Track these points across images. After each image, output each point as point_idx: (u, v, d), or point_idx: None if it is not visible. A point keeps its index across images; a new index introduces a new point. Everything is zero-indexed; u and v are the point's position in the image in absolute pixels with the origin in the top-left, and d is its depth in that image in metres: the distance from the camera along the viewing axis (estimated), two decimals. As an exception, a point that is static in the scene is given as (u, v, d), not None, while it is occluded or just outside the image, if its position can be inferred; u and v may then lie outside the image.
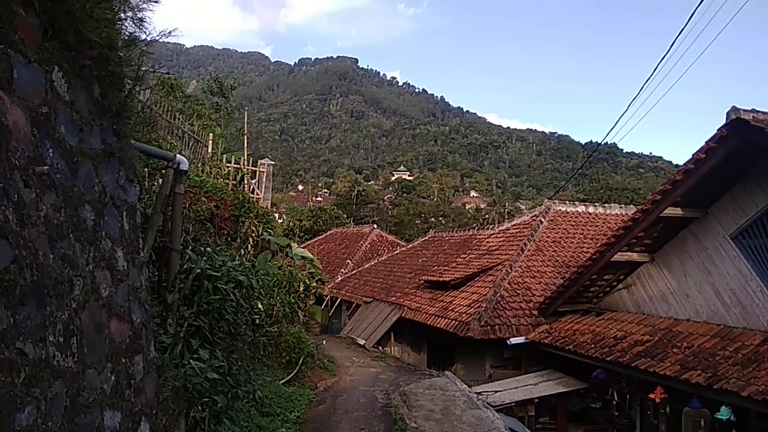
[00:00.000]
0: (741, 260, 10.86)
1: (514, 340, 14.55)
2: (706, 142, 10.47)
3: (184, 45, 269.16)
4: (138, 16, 4.24)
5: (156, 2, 4.27)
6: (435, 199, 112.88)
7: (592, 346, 12.53)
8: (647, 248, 12.97)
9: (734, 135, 9.98)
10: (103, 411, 3.20)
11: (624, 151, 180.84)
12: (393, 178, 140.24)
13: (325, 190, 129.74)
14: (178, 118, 12.84)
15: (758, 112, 10.00)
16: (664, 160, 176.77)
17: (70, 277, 2.92)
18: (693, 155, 10.78)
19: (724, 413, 9.33)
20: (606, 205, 23.42)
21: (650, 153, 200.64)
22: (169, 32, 4.29)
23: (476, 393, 12.47)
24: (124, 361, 3.58)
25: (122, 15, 4.07)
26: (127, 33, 4.20)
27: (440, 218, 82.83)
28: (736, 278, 10.91)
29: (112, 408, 3.33)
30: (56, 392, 2.65)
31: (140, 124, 5.27)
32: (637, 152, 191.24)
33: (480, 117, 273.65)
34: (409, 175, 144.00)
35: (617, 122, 22.56)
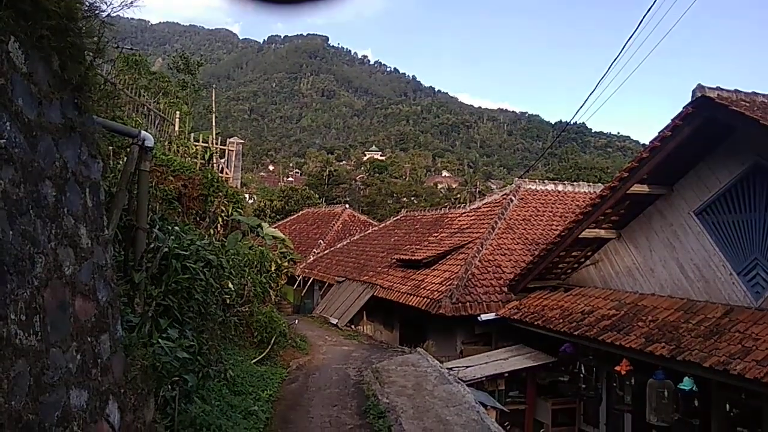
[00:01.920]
0: (704, 236, 11.15)
1: (484, 317, 14.75)
2: (672, 120, 10.66)
3: (148, 21, 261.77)
4: (98, -15, 4.10)
5: (117, -28, 4.13)
6: (407, 179, 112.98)
7: (561, 321, 12.78)
8: (614, 225, 13.21)
9: (699, 112, 10.18)
10: (68, 390, 3.14)
11: (593, 131, 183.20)
12: (365, 158, 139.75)
13: (297, 171, 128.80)
14: (143, 95, 12.53)
15: (723, 90, 10.20)
16: (632, 139, 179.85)
17: (31, 255, 2.84)
18: (659, 133, 10.98)
19: (686, 384, 9.65)
20: (575, 183, 23.76)
21: (618, 133, 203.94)
22: (131, 3, 4.16)
23: (448, 369, 12.65)
24: (89, 339, 3.51)
25: (81, -15, 3.93)
26: (87, 4, 4.06)
27: (412, 198, 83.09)
28: (700, 253, 11.20)
29: (78, 387, 3.27)
30: (19, 371, 2.59)
31: (103, 99, 5.12)
32: (605, 132, 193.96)
33: (452, 97, 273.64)
34: (381, 155, 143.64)
35: (585, 102, 22.89)
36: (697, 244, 11.28)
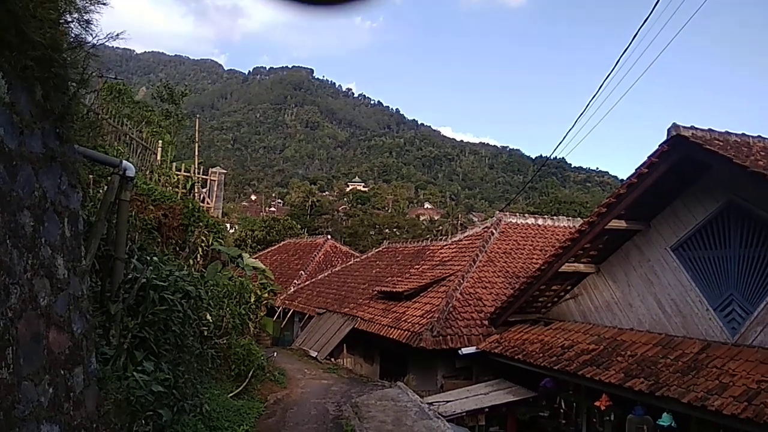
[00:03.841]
0: (681, 271, 11.30)
1: (465, 351, 14.69)
2: (648, 157, 10.90)
3: (134, 51, 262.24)
4: (84, 18, 4.14)
5: (104, 4, 4.18)
6: (389, 211, 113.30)
7: (541, 355, 12.77)
8: (593, 259, 13.34)
9: (675, 150, 10.43)
10: (40, 425, 3.07)
11: (572, 166, 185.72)
12: (348, 189, 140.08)
13: (279, 201, 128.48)
14: (126, 124, 12.52)
15: (697, 129, 10.48)
16: (610, 174, 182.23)
17: (6, 285, 2.80)
18: (636, 170, 11.20)
19: (665, 420, 9.65)
20: (555, 217, 24.06)
21: (597, 168, 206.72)
22: (117, 35, 4.20)
23: (428, 403, 12.53)
24: (63, 372, 3.45)
25: (68, 16, 3.97)
26: (72, 35, 4.09)
27: (394, 229, 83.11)
28: (677, 289, 11.34)
29: (50, 421, 3.20)
30: (-12, 405, 2.53)
31: (85, 128, 5.12)
32: (584, 167, 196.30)
33: (434, 130, 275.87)
34: (363, 186, 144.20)
35: (565, 137, 23.36)
36: (674, 279, 11.42)
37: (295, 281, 29.52)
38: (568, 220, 23.39)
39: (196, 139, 19.82)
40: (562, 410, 12.80)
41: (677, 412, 9.46)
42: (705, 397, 8.71)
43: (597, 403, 11.16)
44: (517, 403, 13.60)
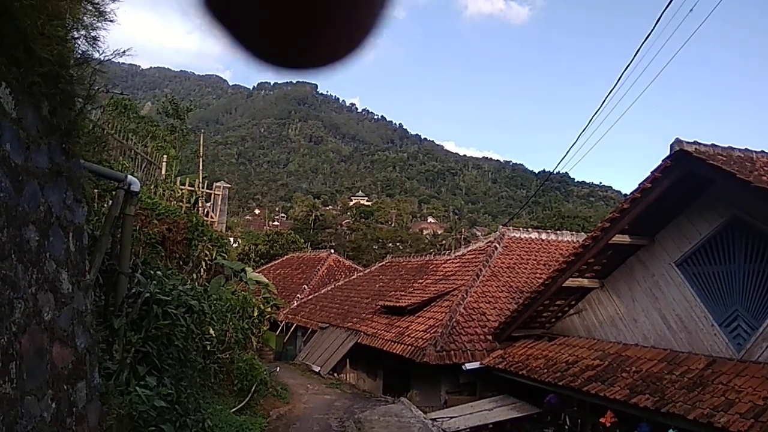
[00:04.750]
0: (686, 286, 11.24)
1: (469, 366, 14.61)
2: (651, 173, 10.90)
3: (139, 66, 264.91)
4: (91, 34, 4.19)
5: (111, 21, 4.23)
6: (393, 225, 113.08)
7: (545, 370, 12.68)
8: (597, 274, 13.29)
9: (678, 166, 10.43)
10: (41, 440, 3.06)
11: (575, 180, 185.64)
12: (351, 204, 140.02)
13: (283, 215, 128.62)
14: (131, 139, 12.60)
15: (700, 144, 10.49)
16: (614, 189, 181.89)
17: (10, 300, 2.81)
18: (639, 185, 11.20)
19: (671, 436, 9.55)
20: (558, 232, 23.98)
21: (600, 182, 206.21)
22: (123, 51, 4.24)
23: (431, 419, 12.44)
24: (66, 387, 3.44)
25: (75, 33, 4.02)
26: (79, 51, 4.14)
27: (398, 244, 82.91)
28: (682, 304, 11.28)
29: (52, 437, 3.19)
30: (-9, 420, 2.53)
31: (91, 143, 5.15)
32: (587, 181, 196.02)
33: (438, 144, 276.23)
34: (367, 201, 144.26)
35: (568, 152, 23.47)
36: (679, 294, 11.37)
37: (299, 295, 29.46)
38: (572, 234, 23.33)
39: (201, 154, 19.95)
40: (566, 427, 12.68)
41: (683, 429, 9.36)
42: (711, 414, 8.62)
43: (602, 420, 11.05)
44: (521, 420, 13.49)
